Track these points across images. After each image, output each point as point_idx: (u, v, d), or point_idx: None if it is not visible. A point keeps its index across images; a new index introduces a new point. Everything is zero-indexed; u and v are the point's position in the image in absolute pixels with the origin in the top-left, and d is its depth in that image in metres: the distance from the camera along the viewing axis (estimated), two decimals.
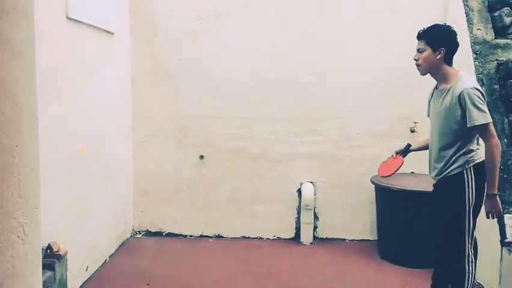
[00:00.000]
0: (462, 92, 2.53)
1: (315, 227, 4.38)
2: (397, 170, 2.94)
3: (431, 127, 2.80)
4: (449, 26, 2.73)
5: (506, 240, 3.10)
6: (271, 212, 4.39)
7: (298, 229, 4.38)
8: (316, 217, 4.37)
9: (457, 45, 2.69)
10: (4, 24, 1.17)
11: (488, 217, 2.65)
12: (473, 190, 2.62)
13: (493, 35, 3.75)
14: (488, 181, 2.58)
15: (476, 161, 2.62)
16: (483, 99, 2.56)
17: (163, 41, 4.32)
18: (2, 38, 1.16)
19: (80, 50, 3.23)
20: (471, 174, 2.61)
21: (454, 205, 2.63)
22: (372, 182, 3.96)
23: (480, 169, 2.62)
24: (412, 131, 4.23)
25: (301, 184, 4.37)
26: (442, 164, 2.68)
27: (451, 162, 2.65)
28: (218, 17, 4.27)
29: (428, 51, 2.65)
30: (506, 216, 3.16)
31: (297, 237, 4.37)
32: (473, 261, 2.67)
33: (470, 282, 2.66)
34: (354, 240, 4.37)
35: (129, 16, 4.26)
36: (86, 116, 3.35)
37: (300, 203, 4.33)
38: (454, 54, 2.70)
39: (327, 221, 4.41)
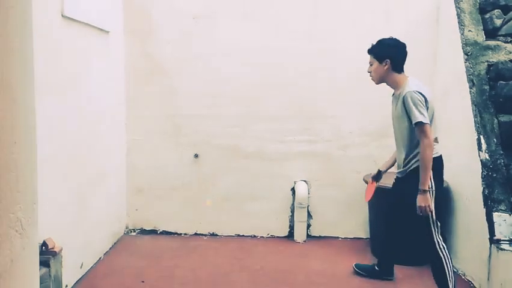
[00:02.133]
0: (405, 94, 2.86)
1: (309, 225, 4.43)
2: (373, 194, 3.46)
3: (393, 129, 3.14)
4: (394, 39, 3.05)
5: (495, 238, 3.15)
6: (265, 210, 4.43)
7: (292, 227, 4.42)
8: (309, 215, 4.42)
9: (403, 54, 3.02)
10: (2, 23, 1.19)
11: (419, 212, 2.87)
12: (433, 182, 2.87)
13: (484, 36, 3.81)
14: (421, 178, 2.84)
15: (434, 155, 2.87)
16: (423, 101, 2.82)
17: (158, 39, 4.34)
18: (1, 35, 1.19)
19: (75, 48, 3.25)
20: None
21: (417, 196, 2.86)
22: (365, 181, 4.00)
23: (437, 163, 2.92)
24: None
25: (295, 183, 4.41)
26: (404, 159, 3.01)
27: (411, 157, 2.97)
28: (213, 16, 4.30)
29: (376, 64, 3.04)
30: (495, 214, 3.21)
31: (290, 236, 4.41)
32: (444, 246, 2.93)
33: (449, 267, 2.92)
34: (347, 238, 4.42)
35: (124, 14, 4.27)
36: (80, 114, 3.37)
37: (293, 201, 4.38)
38: (402, 63, 3.02)
39: (320, 220, 4.45)
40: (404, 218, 3.16)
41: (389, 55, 2.98)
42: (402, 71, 3.02)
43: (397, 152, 3.14)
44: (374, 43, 3.08)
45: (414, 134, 2.91)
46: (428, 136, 2.79)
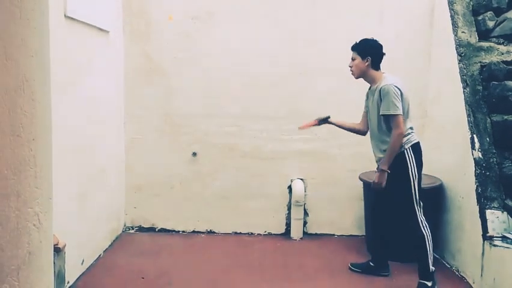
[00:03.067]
0: (382, 87, 3.18)
1: (305, 223, 4.50)
2: (307, 126, 3.71)
3: (369, 120, 3.43)
4: (375, 40, 3.35)
5: (488, 235, 3.24)
6: (262, 208, 4.49)
7: (288, 225, 4.48)
8: (306, 213, 4.49)
9: (382, 54, 3.33)
10: (23, 25, 1.24)
11: (372, 186, 3.29)
12: (415, 165, 3.18)
13: (477, 38, 3.89)
14: (384, 159, 3.19)
15: (413, 142, 3.23)
16: (399, 95, 3.12)
17: (157, 39, 4.38)
18: (22, 38, 1.24)
19: (76, 48, 3.28)
20: (410, 153, 3.21)
21: (401, 180, 3.19)
22: (361, 179, 4.08)
23: (416, 148, 3.25)
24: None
25: (291, 181, 4.48)
26: (385, 148, 3.23)
27: None
28: (212, 17, 4.35)
29: (358, 60, 3.33)
30: (488, 211, 3.30)
31: (287, 233, 4.48)
32: (427, 225, 3.21)
33: (430, 244, 3.21)
34: (343, 235, 4.50)
35: (123, 15, 4.31)
36: (80, 113, 3.40)
37: (290, 199, 4.44)
38: (380, 61, 3.34)
39: (316, 217, 4.52)
40: (393, 207, 3.35)
41: (371, 53, 3.29)
42: (379, 68, 3.34)
43: (375, 142, 3.36)
44: (358, 41, 3.36)
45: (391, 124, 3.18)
46: (400, 127, 3.12)
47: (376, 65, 3.32)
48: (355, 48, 3.36)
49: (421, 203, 3.23)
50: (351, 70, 3.39)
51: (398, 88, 3.15)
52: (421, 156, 3.27)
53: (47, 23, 1.37)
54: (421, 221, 3.21)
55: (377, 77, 3.31)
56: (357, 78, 3.41)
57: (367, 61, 3.29)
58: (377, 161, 3.39)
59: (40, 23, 1.31)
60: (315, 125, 3.69)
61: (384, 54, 3.33)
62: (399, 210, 3.29)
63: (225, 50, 4.37)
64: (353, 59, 3.37)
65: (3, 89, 1.20)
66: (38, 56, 1.31)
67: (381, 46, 3.34)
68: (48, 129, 1.39)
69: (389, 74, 3.32)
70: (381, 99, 3.17)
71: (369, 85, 3.43)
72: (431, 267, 3.23)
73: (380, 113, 3.19)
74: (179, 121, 4.45)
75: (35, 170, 1.31)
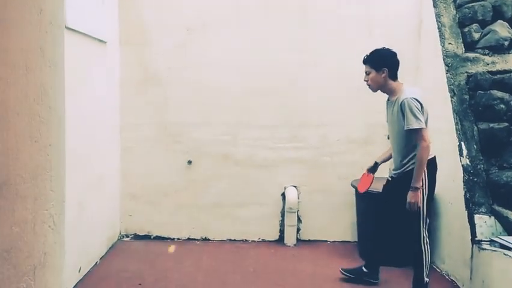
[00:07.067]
0: (403, 101, 3.05)
1: (298, 230, 4.57)
2: (370, 185, 3.54)
3: (389, 132, 3.37)
4: (388, 49, 3.21)
5: (476, 239, 3.35)
6: (256, 215, 4.56)
7: (282, 231, 4.56)
8: (299, 220, 4.56)
9: (397, 62, 3.19)
10: (42, 38, 1.32)
11: (408, 207, 3.10)
12: (427, 182, 3.10)
13: (463, 49, 4.03)
14: (414, 176, 3.05)
15: (429, 157, 3.09)
16: (420, 108, 3.02)
17: (153, 50, 4.46)
18: (41, 49, 1.31)
19: (75, 58, 3.34)
20: (425, 169, 3.08)
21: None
22: (353, 186, 4.18)
23: (431, 164, 3.11)
24: (389, 138, 4.49)
25: (285, 188, 4.56)
26: (401, 161, 3.17)
27: (407, 159, 3.15)
28: (206, 28, 4.45)
29: (373, 73, 3.19)
30: (476, 216, 3.41)
31: (281, 240, 4.55)
32: (428, 242, 3.17)
33: (427, 260, 3.19)
34: (335, 241, 4.58)
35: (120, 26, 4.39)
36: (78, 122, 3.42)
37: (284, 206, 4.52)
38: (397, 70, 3.20)
39: (309, 224, 4.60)
40: (395, 217, 3.34)
41: (386, 64, 3.15)
42: (397, 78, 3.21)
43: (393, 153, 3.31)
44: (369, 54, 3.22)
45: (410, 138, 3.09)
46: (425, 139, 3.02)
47: (394, 75, 3.18)
48: (368, 61, 3.21)
49: (428, 220, 3.19)
50: (368, 84, 3.25)
51: (418, 100, 3.04)
52: (435, 172, 3.16)
53: (63, 34, 1.45)
54: (423, 237, 3.16)
55: (396, 89, 3.17)
56: (375, 91, 3.28)
57: (383, 73, 3.15)
58: (392, 171, 3.31)
59: (57, 35, 1.39)
60: (372, 176, 3.54)
61: (399, 62, 3.19)
62: (403, 221, 3.23)
63: (219, 60, 4.47)
64: (367, 73, 3.22)
65: (24, 97, 1.27)
66: (55, 66, 1.39)
67: (395, 54, 3.19)
68: (62, 136, 1.46)
69: (407, 85, 3.22)
70: (402, 114, 3.06)
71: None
72: (426, 279, 3.23)
73: (405, 129, 3.06)
74: (174, 130, 4.51)
75: (50, 174, 1.38)
